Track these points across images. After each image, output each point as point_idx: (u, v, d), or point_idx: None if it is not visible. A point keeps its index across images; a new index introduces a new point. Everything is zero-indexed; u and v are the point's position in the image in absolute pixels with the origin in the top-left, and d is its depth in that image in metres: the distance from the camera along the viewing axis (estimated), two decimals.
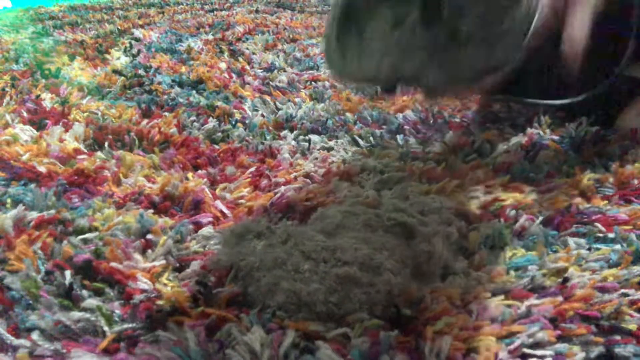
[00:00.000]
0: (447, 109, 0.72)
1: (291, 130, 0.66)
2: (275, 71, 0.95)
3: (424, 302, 0.33)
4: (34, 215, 0.43)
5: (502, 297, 0.34)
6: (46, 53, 1.02)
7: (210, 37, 1.28)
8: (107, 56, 1.04)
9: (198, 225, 0.44)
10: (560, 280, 0.36)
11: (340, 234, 0.38)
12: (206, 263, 0.38)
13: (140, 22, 1.45)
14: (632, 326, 0.32)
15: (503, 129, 0.63)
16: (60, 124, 0.63)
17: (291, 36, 1.30)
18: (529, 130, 0.61)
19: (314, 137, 0.63)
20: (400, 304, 0.33)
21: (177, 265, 0.39)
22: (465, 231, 0.42)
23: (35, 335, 0.31)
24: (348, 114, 0.71)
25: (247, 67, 0.98)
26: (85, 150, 0.58)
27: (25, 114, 0.66)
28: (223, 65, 0.97)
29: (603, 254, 0.38)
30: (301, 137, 0.64)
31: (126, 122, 0.65)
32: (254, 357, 0.29)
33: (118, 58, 1.03)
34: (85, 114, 0.67)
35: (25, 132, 0.60)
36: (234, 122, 0.68)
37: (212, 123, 0.66)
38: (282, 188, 0.50)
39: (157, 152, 0.57)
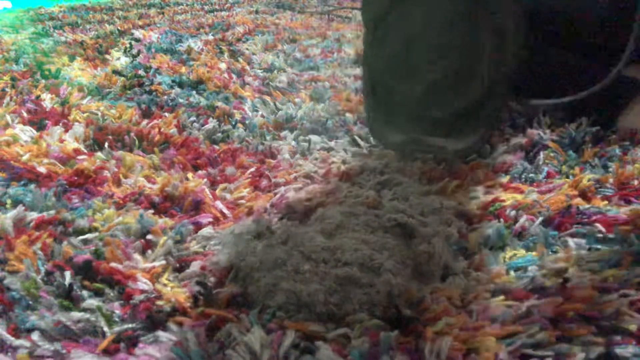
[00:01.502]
0: None
1: (291, 131, 0.66)
2: (275, 71, 0.95)
3: (424, 302, 0.33)
4: (34, 215, 0.43)
5: (502, 297, 0.34)
6: (46, 54, 1.02)
7: (210, 37, 1.28)
8: (107, 57, 1.04)
9: (198, 226, 0.43)
10: (560, 280, 0.36)
11: (340, 234, 0.38)
12: (206, 263, 0.38)
13: (140, 23, 1.45)
14: (632, 326, 0.32)
15: (503, 129, 0.63)
16: (60, 124, 0.63)
17: (291, 37, 1.30)
18: (529, 131, 0.61)
19: (314, 138, 0.63)
20: (401, 304, 0.33)
21: (177, 265, 0.39)
22: (465, 231, 0.42)
23: (35, 336, 0.31)
24: (348, 115, 0.71)
25: (247, 67, 0.98)
26: (85, 151, 0.58)
27: (25, 115, 0.66)
28: (223, 66, 0.97)
29: (603, 255, 0.38)
30: (301, 137, 0.64)
31: (126, 123, 0.65)
32: (254, 358, 0.29)
33: (118, 58, 1.03)
34: (85, 115, 0.67)
35: (25, 133, 0.60)
36: (234, 123, 0.68)
37: (212, 123, 0.66)
38: (282, 188, 0.50)
39: (157, 153, 0.57)
